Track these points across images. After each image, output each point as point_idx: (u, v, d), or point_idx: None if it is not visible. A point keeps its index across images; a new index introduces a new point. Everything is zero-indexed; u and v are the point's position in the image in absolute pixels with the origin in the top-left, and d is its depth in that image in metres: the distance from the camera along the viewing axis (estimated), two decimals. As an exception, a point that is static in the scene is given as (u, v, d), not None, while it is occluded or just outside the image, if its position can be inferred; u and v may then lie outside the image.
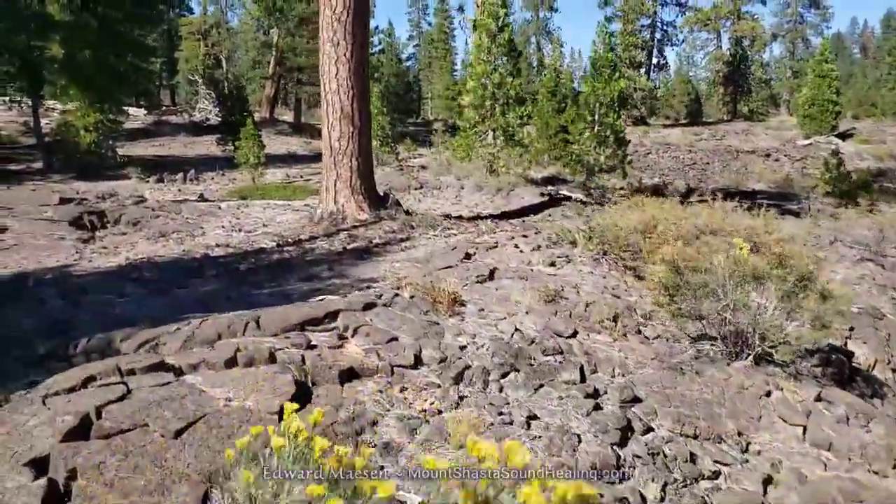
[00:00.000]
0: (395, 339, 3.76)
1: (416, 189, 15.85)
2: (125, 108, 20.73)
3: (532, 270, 5.05)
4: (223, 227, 10.39)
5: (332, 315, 3.95)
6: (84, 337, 4.14)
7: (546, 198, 13.79)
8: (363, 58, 9.78)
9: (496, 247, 6.07)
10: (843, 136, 34.33)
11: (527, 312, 4.21)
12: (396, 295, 4.29)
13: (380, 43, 40.79)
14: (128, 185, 15.77)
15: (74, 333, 4.57)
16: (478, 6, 41.56)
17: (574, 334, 4.10)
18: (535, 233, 7.02)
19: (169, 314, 5.23)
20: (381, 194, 10.55)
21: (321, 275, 6.59)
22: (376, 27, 38.62)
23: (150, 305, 5.62)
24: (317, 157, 25.64)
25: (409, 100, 49.64)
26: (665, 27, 48.81)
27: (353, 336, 3.67)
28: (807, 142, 32.35)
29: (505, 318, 4.19)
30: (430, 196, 14.91)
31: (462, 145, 16.26)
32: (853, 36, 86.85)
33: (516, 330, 4.03)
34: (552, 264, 5.25)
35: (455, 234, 8.35)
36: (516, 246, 6.02)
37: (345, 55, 9.54)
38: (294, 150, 26.63)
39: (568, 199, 13.62)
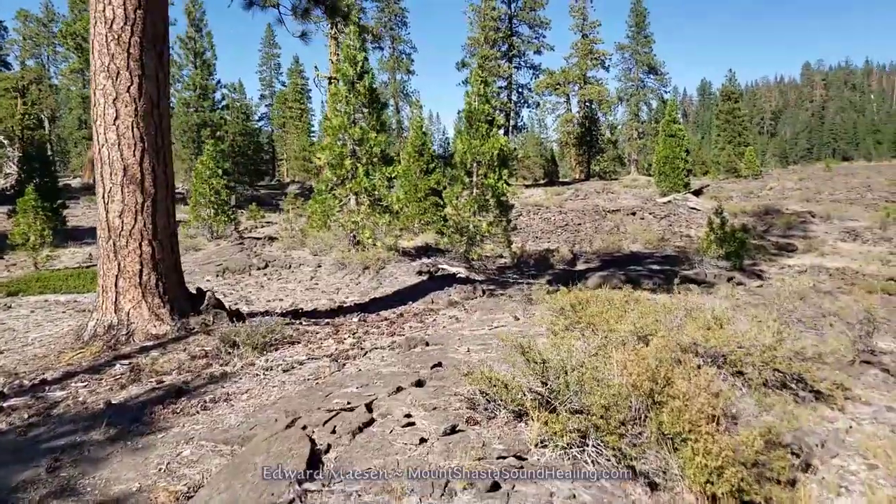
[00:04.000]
0: None
1: (259, 268, 12.55)
2: None
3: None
4: (-71, 355, 6.52)
5: None
6: None
7: (425, 276, 11.19)
8: (158, 97, 6.70)
9: (370, 423, 3.24)
10: (697, 192, 36.22)
11: None
12: None
13: (223, 98, 37.21)
14: None
15: None
16: (332, 63, 39.61)
17: None
18: (434, 366, 4.28)
19: None
20: (195, 291, 7.29)
21: (28, 491, 3.30)
22: (218, 81, 34.95)
23: None
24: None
25: (261, 161, 46.03)
26: (521, 89, 50.39)
27: None
28: (665, 199, 33.51)
29: None
30: (278, 278, 11.71)
31: (318, 212, 13.36)
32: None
33: None
34: (495, 486, 2.54)
35: (302, 361, 5.35)
36: (410, 420, 3.22)
37: (128, 92, 6.42)
38: (113, 220, 21.97)
39: (452, 277, 11.12)
